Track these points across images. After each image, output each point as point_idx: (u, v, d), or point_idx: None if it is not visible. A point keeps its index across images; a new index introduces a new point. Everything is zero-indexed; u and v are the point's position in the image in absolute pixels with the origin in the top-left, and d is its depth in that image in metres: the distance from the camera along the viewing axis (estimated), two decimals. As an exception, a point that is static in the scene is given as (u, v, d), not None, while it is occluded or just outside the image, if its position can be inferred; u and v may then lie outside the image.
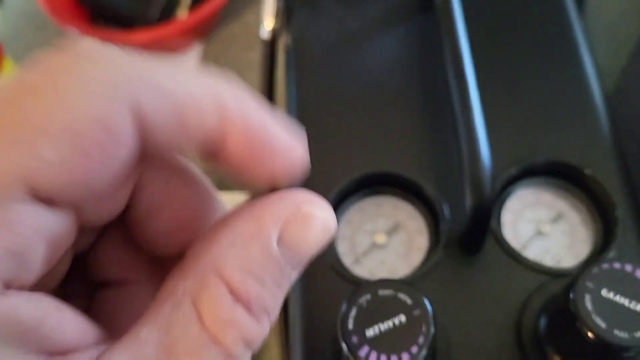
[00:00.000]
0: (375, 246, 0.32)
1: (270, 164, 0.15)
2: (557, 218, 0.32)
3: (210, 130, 0.14)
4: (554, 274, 0.29)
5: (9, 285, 0.13)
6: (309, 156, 0.16)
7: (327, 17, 0.38)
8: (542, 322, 0.27)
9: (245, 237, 0.15)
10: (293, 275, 0.15)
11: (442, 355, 0.28)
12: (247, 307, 0.14)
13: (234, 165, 0.15)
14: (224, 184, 0.55)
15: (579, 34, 0.36)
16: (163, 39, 0.58)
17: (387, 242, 0.33)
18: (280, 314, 0.40)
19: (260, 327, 0.14)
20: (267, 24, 0.38)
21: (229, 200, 0.53)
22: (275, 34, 0.38)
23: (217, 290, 0.14)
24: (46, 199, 0.13)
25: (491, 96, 0.34)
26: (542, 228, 0.32)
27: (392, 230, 0.33)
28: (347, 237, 0.33)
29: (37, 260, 0.13)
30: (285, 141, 0.16)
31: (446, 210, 0.31)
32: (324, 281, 0.31)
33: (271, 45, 0.38)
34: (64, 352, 0.13)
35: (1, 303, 0.12)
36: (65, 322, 0.14)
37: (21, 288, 0.13)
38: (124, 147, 0.13)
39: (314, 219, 0.15)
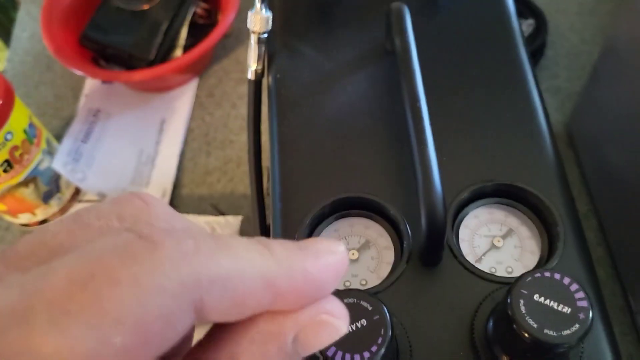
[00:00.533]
0: (349, 261, 0.37)
1: (313, 298, 0.18)
2: (509, 233, 0.37)
3: (264, 307, 0.17)
4: (503, 283, 0.33)
5: None
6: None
7: (304, 61, 0.43)
8: (490, 325, 0.31)
9: (265, 336, 0.17)
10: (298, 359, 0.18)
11: (404, 356, 0.32)
12: None
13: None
14: (218, 209, 0.60)
15: (528, 74, 0.41)
16: (161, 77, 0.62)
17: (359, 257, 0.37)
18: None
19: None
20: (252, 66, 0.42)
21: (224, 222, 0.58)
22: (259, 75, 0.43)
23: None
24: None
25: (447, 129, 0.38)
26: (496, 242, 0.36)
27: (363, 247, 0.37)
28: (324, 255, 0.37)
29: None
30: (323, 294, 0.18)
31: (409, 229, 0.36)
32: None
33: (256, 84, 0.42)
34: None
35: None
36: None
37: None
38: (180, 335, 0.16)
39: (328, 325, 0.18)
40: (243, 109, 0.66)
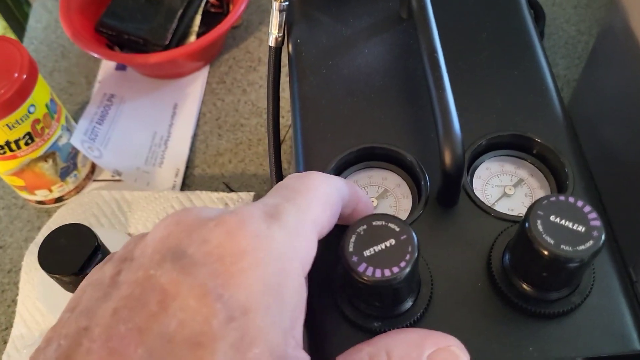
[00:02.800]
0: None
1: (365, 210, 0.32)
2: (519, 183, 0.39)
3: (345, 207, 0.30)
4: (516, 221, 0.35)
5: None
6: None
7: (322, 28, 0.45)
8: (507, 256, 0.33)
9: (411, 342, 0.26)
10: None
11: (426, 287, 0.33)
12: None
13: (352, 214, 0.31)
14: (230, 187, 0.61)
15: (534, 37, 0.44)
16: (174, 62, 0.65)
17: (378, 205, 0.39)
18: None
19: None
20: (273, 32, 0.45)
21: (236, 198, 0.59)
22: (279, 42, 0.45)
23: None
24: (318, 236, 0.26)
25: (459, 87, 0.41)
26: (507, 190, 0.38)
27: (381, 196, 0.39)
28: (344, 203, 0.39)
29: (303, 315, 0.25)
30: (368, 201, 0.33)
31: (426, 174, 0.38)
32: (327, 235, 0.37)
33: (277, 51, 0.45)
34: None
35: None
36: None
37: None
38: (338, 211, 0.29)
39: (455, 357, 0.26)
40: (253, 95, 0.68)
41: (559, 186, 0.37)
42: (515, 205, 0.38)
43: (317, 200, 0.26)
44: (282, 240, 0.23)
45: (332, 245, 0.36)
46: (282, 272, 0.23)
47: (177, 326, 0.20)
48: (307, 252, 0.25)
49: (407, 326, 0.32)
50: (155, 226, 0.25)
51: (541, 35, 0.66)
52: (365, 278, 0.29)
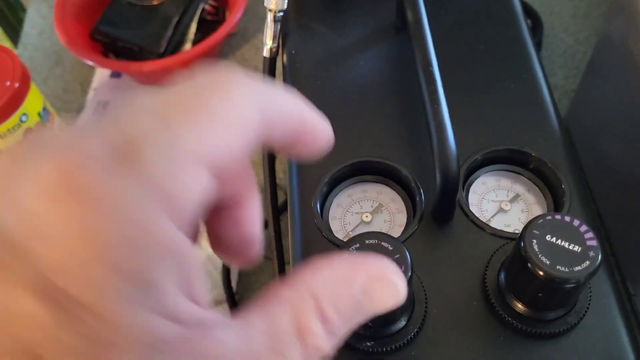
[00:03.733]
0: (362, 223, 0.38)
1: (318, 142, 0.23)
2: (515, 198, 0.38)
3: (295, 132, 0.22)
4: (512, 238, 0.35)
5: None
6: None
7: (317, 38, 0.45)
8: (502, 274, 0.33)
9: (339, 277, 0.21)
10: (360, 319, 0.21)
11: (420, 305, 0.33)
12: (325, 325, 0.19)
13: (292, 146, 0.23)
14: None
15: (531, 49, 0.43)
16: (169, 69, 0.64)
17: (372, 220, 0.38)
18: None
19: (329, 345, 0.20)
20: (268, 43, 0.44)
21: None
22: (274, 52, 0.45)
23: (309, 308, 0.19)
24: (214, 170, 0.18)
25: (457, 102, 0.40)
26: (504, 206, 0.38)
27: (376, 211, 0.38)
28: (338, 218, 0.38)
29: (197, 214, 0.18)
30: (326, 129, 0.24)
31: (421, 190, 0.37)
32: (321, 252, 0.36)
33: (271, 61, 0.44)
34: (198, 304, 0.18)
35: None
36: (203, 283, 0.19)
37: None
38: (254, 143, 0.20)
39: (393, 285, 0.21)
40: (249, 104, 0.68)
41: (556, 202, 0.37)
42: (511, 221, 0.37)
43: (213, 123, 0.18)
44: (133, 197, 0.16)
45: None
46: (134, 240, 0.16)
47: None
48: (180, 194, 0.17)
49: (401, 347, 0.31)
50: None
51: (538, 45, 0.65)
52: (357, 298, 0.29)
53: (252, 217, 0.24)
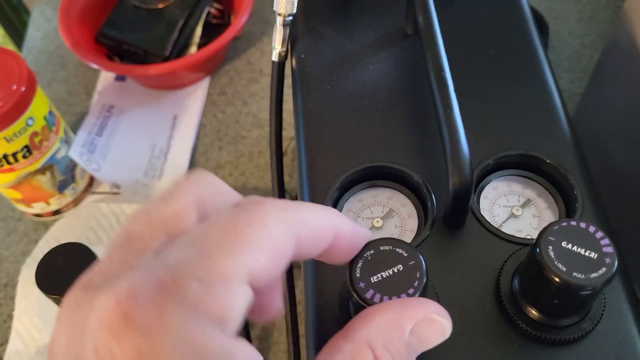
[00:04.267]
0: (373, 228, 0.38)
1: (352, 246, 0.27)
2: (527, 204, 0.38)
3: (329, 242, 0.25)
4: (525, 244, 0.35)
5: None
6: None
7: (326, 43, 0.44)
8: (516, 281, 0.33)
9: (390, 325, 0.24)
10: (412, 355, 0.24)
11: (433, 312, 0.33)
12: None
13: (328, 254, 0.26)
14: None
15: (541, 54, 0.43)
16: (175, 73, 0.64)
17: (383, 225, 0.38)
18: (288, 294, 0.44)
19: None
20: (277, 47, 0.44)
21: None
22: (282, 57, 0.44)
23: (367, 356, 0.23)
24: (254, 283, 0.21)
25: (468, 107, 0.40)
26: (515, 211, 0.38)
27: (386, 216, 0.38)
28: (349, 223, 0.38)
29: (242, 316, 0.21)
30: (359, 233, 0.28)
31: (433, 195, 0.37)
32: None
33: (280, 66, 0.44)
34: None
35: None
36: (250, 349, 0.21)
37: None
38: (289, 259, 0.23)
39: (438, 324, 0.25)
40: (254, 107, 0.68)
41: (568, 207, 0.37)
42: (523, 226, 0.37)
43: (250, 250, 0.21)
44: (183, 322, 0.19)
45: (337, 271, 0.35)
46: (192, 355, 0.19)
47: None
48: (226, 313, 0.20)
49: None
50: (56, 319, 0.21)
51: (544, 49, 0.65)
52: (372, 305, 0.29)
53: (276, 298, 0.28)
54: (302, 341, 0.43)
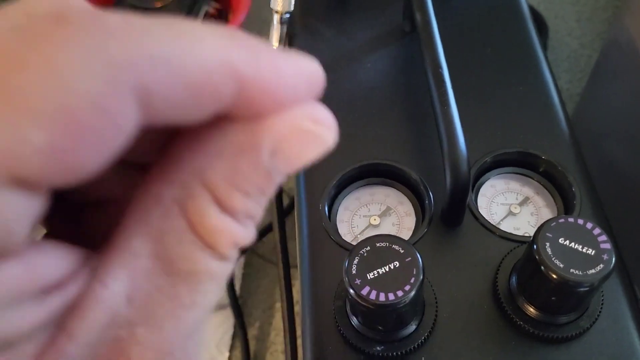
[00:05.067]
0: (370, 227, 0.38)
1: (284, 103, 0.14)
2: (525, 201, 0.38)
3: (226, 102, 0.13)
4: (522, 241, 0.35)
5: None
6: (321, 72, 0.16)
7: (324, 41, 0.44)
8: (513, 278, 0.32)
9: (235, 148, 0.14)
10: (279, 180, 0.15)
11: (430, 309, 0.32)
12: (233, 216, 0.14)
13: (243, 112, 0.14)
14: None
15: (539, 52, 0.43)
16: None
17: (380, 223, 0.38)
18: (285, 292, 0.44)
19: (247, 231, 0.15)
20: (274, 46, 0.44)
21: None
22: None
23: (204, 201, 0.14)
24: (30, 184, 0.12)
25: (466, 105, 0.40)
26: (513, 209, 0.37)
27: (384, 214, 0.38)
28: (346, 221, 0.38)
29: (19, 239, 0.12)
30: (297, 81, 0.15)
31: (430, 196, 0.37)
32: (328, 255, 0.36)
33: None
34: (59, 286, 0.13)
35: None
36: (51, 259, 0.13)
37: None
38: (123, 132, 0.12)
39: (313, 135, 0.15)
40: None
41: (566, 205, 0.37)
42: (521, 224, 0.37)
43: (14, 113, 0.11)
44: None
45: (333, 267, 0.35)
46: None
47: None
48: None
49: (411, 351, 0.31)
50: None
51: (543, 49, 0.65)
52: (368, 302, 0.28)
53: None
54: (299, 342, 0.43)
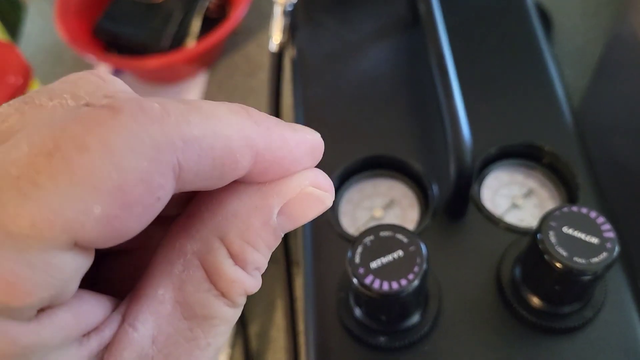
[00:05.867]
0: (373, 219, 0.37)
1: (291, 169, 0.17)
2: (529, 194, 0.38)
3: (244, 170, 0.16)
4: (526, 232, 0.34)
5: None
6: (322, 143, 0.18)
7: (327, 32, 0.44)
8: (517, 269, 0.32)
9: (249, 208, 0.16)
10: (282, 236, 0.17)
11: (434, 300, 0.32)
12: (244, 268, 0.17)
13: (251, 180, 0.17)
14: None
15: (543, 45, 0.43)
16: (172, 66, 0.63)
17: (384, 216, 0.38)
18: (287, 286, 0.44)
19: (255, 280, 0.17)
20: (275, 38, 0.44)
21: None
22: (282, 47, 0.44)
23: (221, 255, 0.16)
24: (86, 247, 0.14)
25: (470, 97, 0.40)
26: (517, 201, 0.37)
27: (387, 206, 0.38)
28: (348, 213, 0.38)
29: (72, 291, 0.14)
30: (297, 154, 0.17)
31: (434, 187, 0.37)
32: (331, 247, 0.36)
33: (278, 56, 0.44)
34: (97, 330, 0.15)
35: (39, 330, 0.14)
36: (90, 306, 0.15)
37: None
38: (162, 203, 0.14)
39: (314, 198, 0.17)
40: (253, 102, 0.67)
41: (570, 197, 0.36)
42: (524, 216, 0.37)
43: (76, 186, 0.13)
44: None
45: (336, 260, 0.35)
46: None
47: None
48: (16, 295, 0.13)
49: (415, 342, 0.31)
50: None
51: (545, 43, 0.65)
52: (372, 291, 0.28)
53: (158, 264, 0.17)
54: (301, 338, 0.43)
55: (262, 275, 0.18)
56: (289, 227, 0.17)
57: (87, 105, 0.14)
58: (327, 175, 0.18)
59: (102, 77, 0.17)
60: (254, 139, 0.16)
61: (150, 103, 0.14)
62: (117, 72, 0.70)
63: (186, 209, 0.17)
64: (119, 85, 0.17)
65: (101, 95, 0.16)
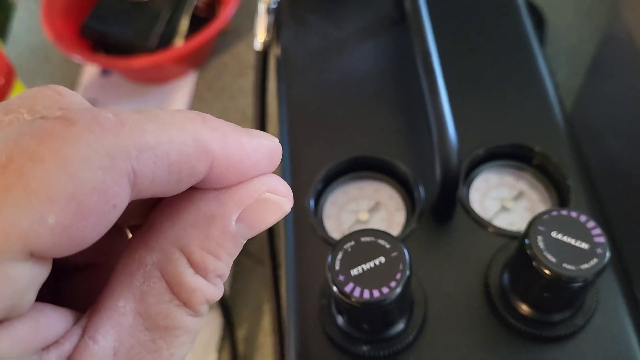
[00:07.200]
0: (358, 222, 0.36)
1: (248, 174, 0.17)
2: (519, 196, 0.37)
3: (200, 177, 0.16)
4: (515, 237, 0.33)
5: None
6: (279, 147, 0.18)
7: (312, 30, 0.43)
8: (505, 275, 0.31)
9: (207, 217, 0.17)
10: (243, 242, 0.17)
11: (419, 308, 0.31)
12: (205, 277, 0.17)
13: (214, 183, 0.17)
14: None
15: (534, 44, 0.42)
16: (160, 65, 0.62)
17: (369, 219, 0.36)
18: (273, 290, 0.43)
19: (217, 289, 0.17)
20: (260, 37, 0.43)
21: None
22: (266, 46, 0.43)
23: (181, 265, 0.16)
24: (41, 256, 0.14)
25: (459, 97, 0.39)
26: (506, 204, 0.36)
27: (373, 209, 0.37)
28: (333, 216, 0.37)
29: (29, 302, 0.14)
30: (259, 153, 0.17)
31: (421, 189, 0.35)
32: (314, 252, 0.34)
33: (263, 55, 0.43)
34: (56, 343, 0.15)
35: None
36: (50, 319, 0.15)
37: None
38: (119, 210, 0.15)
39: (272, 204, 0.17)
40: (242, 102, 0.66)
41: (561, 199, 0.35)
42: (514, 219, 0.36)
43: (32, 198, 0.13)
44: None
45: (319, 264, 0.33)
46: None
47: None
48: None
49: (399, 351, 0.30)
50: None
51: (541, 42, 0.64)
52: (352, 299, 0.27)
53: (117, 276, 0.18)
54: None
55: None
56: (250, 234, 0.17)
57: (42, 118, 0.15)
58: (284, 181, 0.18)
59: (59, 92, 0.17)
60: (210, 144, 0.16)
61: (105, 114, 0.15)
62: (104, 72, 0.69)
63: (146, 220, 0.17)
64: (76, 99, 0.17)
65: (57, 108, 0.16)
